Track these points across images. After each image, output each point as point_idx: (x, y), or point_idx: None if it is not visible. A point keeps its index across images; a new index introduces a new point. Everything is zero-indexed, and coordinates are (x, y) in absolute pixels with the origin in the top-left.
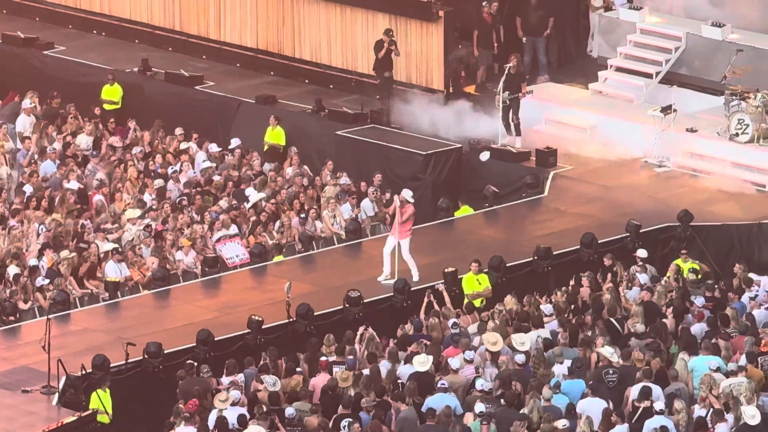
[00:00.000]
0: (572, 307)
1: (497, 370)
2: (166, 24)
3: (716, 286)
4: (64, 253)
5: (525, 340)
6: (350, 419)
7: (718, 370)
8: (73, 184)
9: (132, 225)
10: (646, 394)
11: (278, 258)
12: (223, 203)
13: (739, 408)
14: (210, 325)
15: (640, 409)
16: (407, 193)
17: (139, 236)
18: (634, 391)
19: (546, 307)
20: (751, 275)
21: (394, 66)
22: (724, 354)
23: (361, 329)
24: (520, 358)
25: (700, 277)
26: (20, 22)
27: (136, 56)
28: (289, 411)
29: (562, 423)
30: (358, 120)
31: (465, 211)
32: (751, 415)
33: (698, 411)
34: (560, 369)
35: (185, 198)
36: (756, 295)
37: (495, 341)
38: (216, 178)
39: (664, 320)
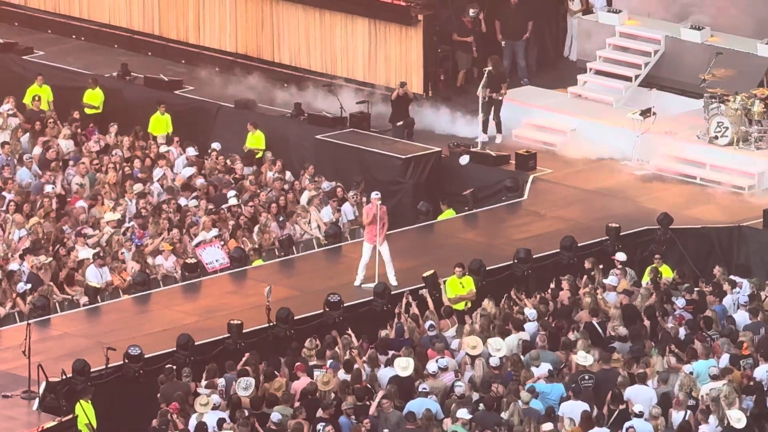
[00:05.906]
0: (552, 310)
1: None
2: (146, 29)
3: (695, 288)
4: (42, 258)
5: (501, 346)
6: (324, 423)
7: (691, 373)
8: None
9: (111, 228)
10: (618, 397)
11: (257, 262)
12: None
13: (722, 410)
14: (190, 330)
15: (616, 412)
16: (376, 194)
17: (118, 240)
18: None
19: (530, 312)
20: (732, 278)
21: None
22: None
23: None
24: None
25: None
26: None
27: (115, 61)
28: (276, 416)
29: (547, 426)
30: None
31: (448, 214)
32: (737, 418)
33: (675, 414)
34: (537, 372)
35: (165, 203)
36: (738, 298)
37: (475, 345)
38: (200, 181)
39: (644, 323)
